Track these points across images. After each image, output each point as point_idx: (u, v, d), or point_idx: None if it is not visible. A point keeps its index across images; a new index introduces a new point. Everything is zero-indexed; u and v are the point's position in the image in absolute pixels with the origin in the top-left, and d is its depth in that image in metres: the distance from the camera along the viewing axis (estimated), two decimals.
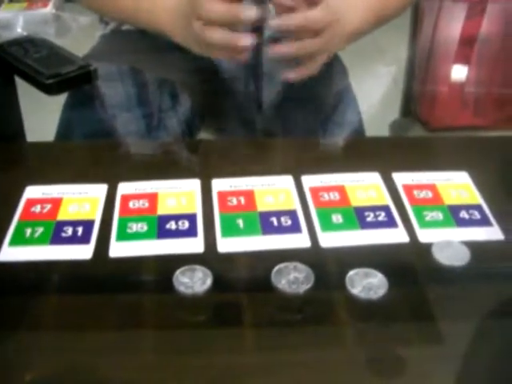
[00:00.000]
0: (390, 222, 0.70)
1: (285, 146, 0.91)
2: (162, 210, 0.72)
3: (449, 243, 0.68)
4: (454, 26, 1.67)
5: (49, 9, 1.09)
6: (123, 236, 0.68)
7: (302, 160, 0.85)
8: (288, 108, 1.07)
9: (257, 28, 0.90)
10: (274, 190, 0.75)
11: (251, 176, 0.78)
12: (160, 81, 1.09)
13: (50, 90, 0.87)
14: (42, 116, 1.02)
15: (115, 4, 1.03)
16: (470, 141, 0.95)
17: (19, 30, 1.03)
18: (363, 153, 0.87)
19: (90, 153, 0.87)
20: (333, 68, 1.18)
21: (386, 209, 0.72)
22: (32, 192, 0.75)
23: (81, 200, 0.74)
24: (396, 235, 0.69)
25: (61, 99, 1.07)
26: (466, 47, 1.70)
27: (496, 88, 1.69)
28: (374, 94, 1.46)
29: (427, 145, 0.93)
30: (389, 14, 1.02)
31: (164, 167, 0.82)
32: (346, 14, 0.92)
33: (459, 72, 1.68)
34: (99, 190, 0.75)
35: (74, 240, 0.68)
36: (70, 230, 0.69)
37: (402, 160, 0.84)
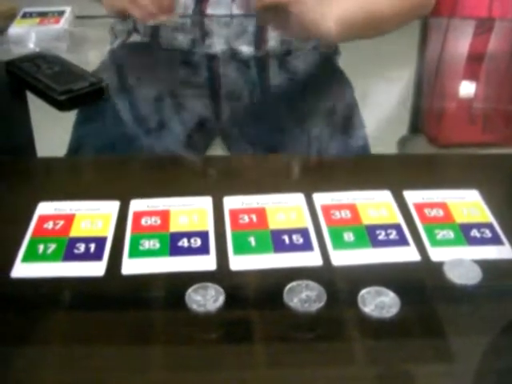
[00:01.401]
0: (402, 241, 0.70)
1: (295, 162, 0.91)
2: (175, 227, 0.72)
3: (460, 262, 0.68)
4: (461, 42, 1.67)
5: (61, 25, 1.10)
6: (135, 253, 0.69)
7: (312, 177, 0.85)
8: (289, 122, 1.07)
9: None
10: (285, 208, 0.75)
11: (262, 193, 0.78)
12: (165, 93, 1.10)
13: (62, 106, 0.88)
14: (53, 131, 1.03)
15: None
16: (480, 158, 0.95)
17: (31, 46, 1.03)
18: (372, 170, 0.88)
19: (101, 168, 0.87)
20: (337, 82, 1.18)
21: (397, 227, 0.72)
22: (44, 208, 0.76)
23: (93, 216, 0.74)
24: (407, 253, 0.69)
25: (72, 114, 1.07)
26: (474, 64, 1.71)
27: (504, 105, 1.70)
28: (381, 111, 1.46)
29: (437, 162, 0.93)
30: (382, 10, 1.01)
31: (176, 184, 0.82)
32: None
33: (467, 88, 1.68)
34: (111, 207, 0.76)
35: (86, 257, 0.68)
36: (82, 247, 0.69)
37: (411, 177, 0.85)
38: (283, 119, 1.09)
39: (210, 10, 1.08)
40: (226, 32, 1.10)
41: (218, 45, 1.11)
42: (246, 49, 1.10)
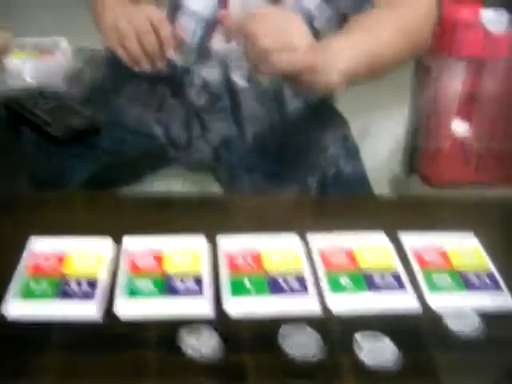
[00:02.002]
0: (399, 286, 0.70)
1: (289, 202, 0.90)
2: (169, 268, 0.71)
3: (459, 310, 0.67)
4: (454, 82, 1.68)
5: (59, 59, 1.09)
6: (129, 293, 0.68)
7: (306, 216, 0.84)
8: (283, 155, 1.07)
9: None
10: (281, 251, 0.74)
11: (257, 232, 0.77)
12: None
13: (58, 141, 0.87)
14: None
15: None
16: (475, 199, 0.94)
17: (28, 80, 1.03)
18: (366, 210, 0.87)
19: (93, 203, 0.86)
20: (330, 119, 1.18)
21: (394, 272, 0.72)
22: (36, 243, 0.75)
23: (85, 255, 0.73)
24: (405, 300, 0.68)
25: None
26: (467, 104, 1.72)
27: (497, 144, 1.71)
28: (374, 149, 1.46)
29: (432, 203, 0.93)
30: (383, 54, 1.02)
31: (169, 221, 0.81)
32: (334, 54, 0.93)
33: (460, 128, 1.69)
34: (104, 244, 0.75)
35: (79, 296, 0.67)
36: (75, 286, 0.68)
37: (407, 219, 0.84)
38: (276, 151, 1.09)
39: (215, 43, 1.07)
40: (222, 63, 1.10)
41: (212, 74, 1.10)
42: (240, 81, 1.09)
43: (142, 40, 0.96)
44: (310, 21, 1.07)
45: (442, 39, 1.63)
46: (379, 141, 1.52)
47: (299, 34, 0.89)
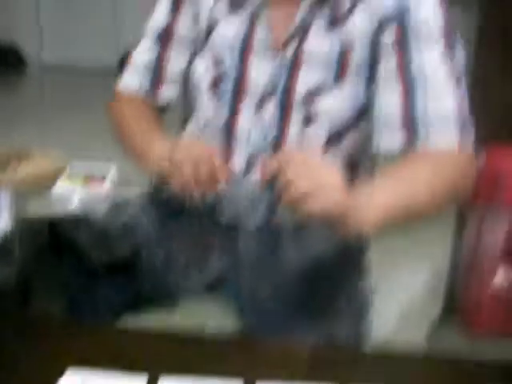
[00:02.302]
0: None
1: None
2: None
3: None
4: (497, 232, 1.67)
5: (104, 187, 1.11)
6: None
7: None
8: (294, 299, 1.04)
9: None
10: None
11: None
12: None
13: (98, 269, 0.87)
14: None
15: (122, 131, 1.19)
16: None
17: (74, 206, 1.04)
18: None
19: (130, 338, 0.85)
20: (350, 270, 1.15)
21: None
22: (72, 376, 0.73)
23: None
24: None
25: None
26: (510, 254, 1.69)
27: None
28: (413, 292, 1.44)
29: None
30: (420, 200, 1.01)
31: (206, 360, 0.79)
32: (367, 201, 0.94)
33: (504, 277, 1.66)
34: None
35: None
36: None
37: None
38: (287, 295, 1.07)
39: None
40: (241, 201, 1.11)
41: (230, 212, 1.11)
42: (256, 220, 1.10)
43: (197, 169, 0.98)
44: None
45: (484, 187, 1.63)
46: (419, 283, 1.50)
47: (334, 180, 0.92)
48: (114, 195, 1.07)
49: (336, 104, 1.08)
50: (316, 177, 0.91)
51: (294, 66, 1.09)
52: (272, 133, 1.10)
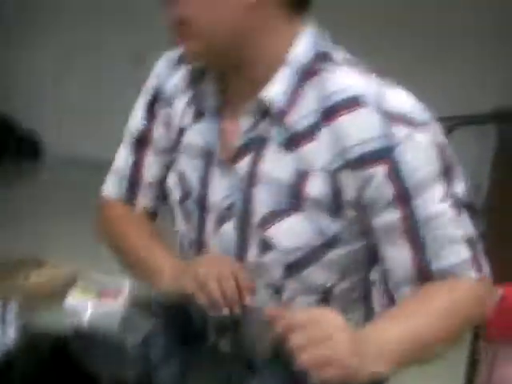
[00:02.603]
0: None
1: None
2: None
3: None
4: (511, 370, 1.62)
5: (118, 303, 1.09)
6: None
7: None
8: None
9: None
10: None
11: None
12: None
13: None
14: None
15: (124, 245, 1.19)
16: None
17: (85, 320, 1.02)
18: None
19: None
20: None
21: None
22: None
23: None
24: None
25: None
26: None
27: None
28: None
29: None
30: (431, 342, 0.98)
31: None
32: (376, 346, 0.91)
33: None
34: None
35: None
36: None
37: None
38: None
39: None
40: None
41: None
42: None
43: (222, 285, 0.98)
44: (276, 292, 1.08)
45: (499, 324, 1.59)
46: None
47: (343, 337, 0.87)
48: (126, 311, 1.04)
49: (291, 233, 1.04)
50: (326, 338, 0.85)
51: (249, 186, 1.05)
52: (232, 255, 1.07)
